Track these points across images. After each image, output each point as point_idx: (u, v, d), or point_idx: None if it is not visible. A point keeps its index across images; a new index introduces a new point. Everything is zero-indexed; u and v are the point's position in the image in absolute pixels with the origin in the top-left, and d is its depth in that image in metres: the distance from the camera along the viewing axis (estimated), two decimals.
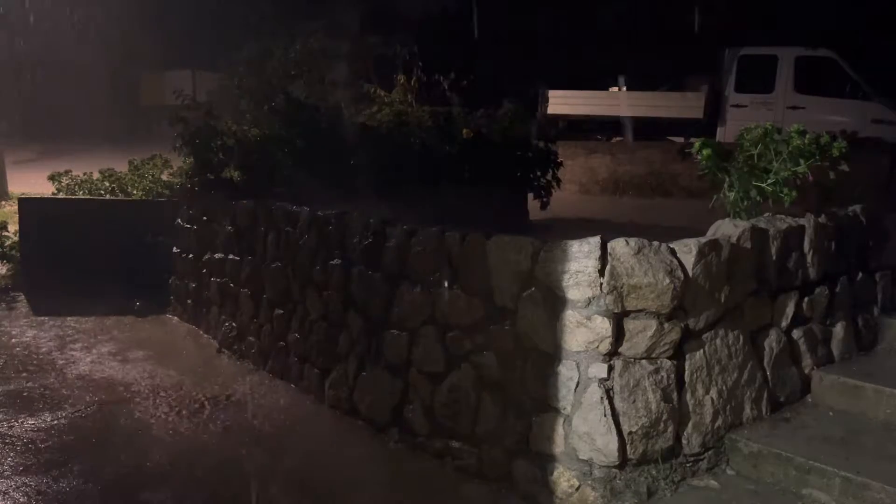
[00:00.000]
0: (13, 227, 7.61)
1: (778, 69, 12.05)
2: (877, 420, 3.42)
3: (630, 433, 3.09)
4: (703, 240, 3.26)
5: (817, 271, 3.82)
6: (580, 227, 3.56)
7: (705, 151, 3.80)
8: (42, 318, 6.58)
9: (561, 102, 13.56)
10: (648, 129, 12.94)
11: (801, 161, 3.69)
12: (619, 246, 3.12)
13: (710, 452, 3.26)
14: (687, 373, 3.22)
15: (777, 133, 3.76)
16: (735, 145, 3.93)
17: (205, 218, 6.45)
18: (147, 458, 3.95)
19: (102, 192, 8.17)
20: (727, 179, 3.80)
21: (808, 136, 3.71)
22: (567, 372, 3.21)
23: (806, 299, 3.79)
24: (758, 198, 3.73)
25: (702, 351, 3.26)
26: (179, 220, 6.95)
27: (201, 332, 6.34)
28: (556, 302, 3.23)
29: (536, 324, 3.32)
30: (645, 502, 3.08)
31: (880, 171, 8.62)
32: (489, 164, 6.66)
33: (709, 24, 14.20)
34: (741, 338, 3.41)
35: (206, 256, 6.34)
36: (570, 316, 3.17)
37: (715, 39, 13.13)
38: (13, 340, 6.00)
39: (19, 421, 4.37)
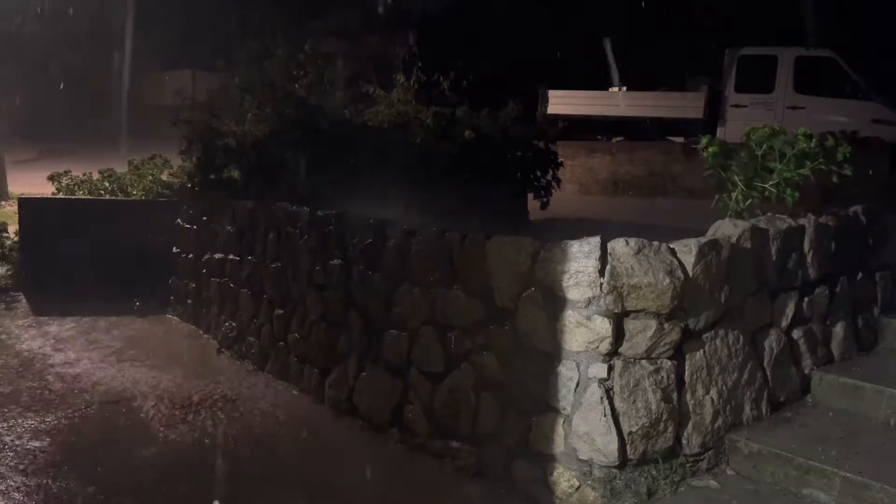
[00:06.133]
0: (13, 228, 7.61)
1: (778, 69, 12.05)
2: (877, 420, 3.42)
3: (630, 433, 3.09)
4: (703, 240, 3.26)
5: (817, 271, 3.82)
6: (580, 227, 3.55)
7: (711, 149, 3.81)
8: (42, 318, 6.57)
9: (561, 102, 13.56)
10: (649, 129, 12.95)
11: (806, 163, 3.70)
12: (619, 246, 3.12)
13: (710, 452, 3.26)
14: (687, 373, 3.22)
15: (783, 134, 3.78)
16: (737, 145, 3.94)
17: (205, 218, 6.44)
18: (146, 459, 3.95)
19: (102, 192, 8.16)
20: (732, 178, 3.81)
21: (814, 139, 3.73)
22: (567, 372, 3.21)
23: (806, 299, 3.79)
24: (762, 196, 3.74)
25: (702, 351, 3.26)
26: (179, 220, 6.95)
27: (201, 332, 6.34)
28: (556, 302, 3.23)
29: (536, 324, 3.32)
30: (645, 502, 3.08)
31: (880, 171, 8.62)
32: (489, 165, 6.66)
33: (709, 24, 14.22)
34: (741, 338, 3.41)
35: (206, 256, 6.34)
36: (570, 316, 3.17)
37: (715, 39, 13.14)
38: (13, 340, 5.99)
39: (19, 421, 4.37)
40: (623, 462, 3.09)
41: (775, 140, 3.76)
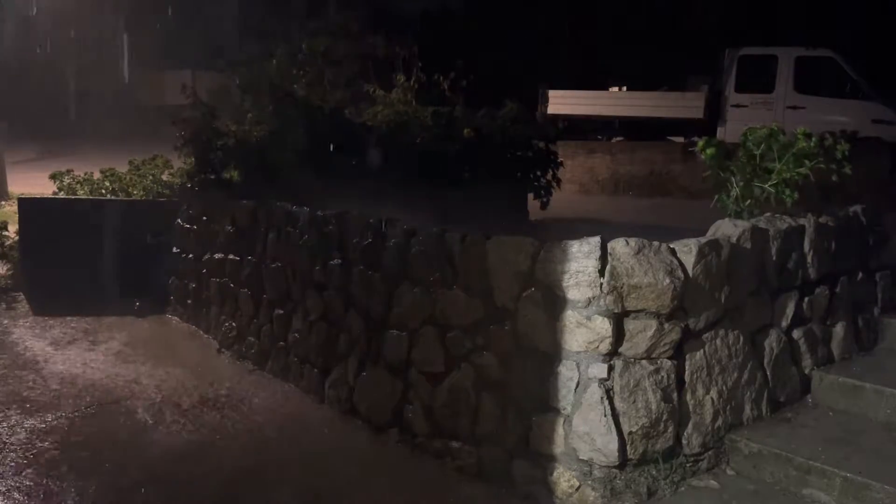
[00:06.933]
0: (13, 227, 7.60)
1: (778, 69, 12.06)
2: (877, 420, 3.42)
3: (630, 433, 3.09)
4: (703, 240, 3.26)
5: (817, 271, 3.82)
6: (580, 227, 3.56)
7: (709, 151, 3.81)
8: (42, 317, 6.57)
9: (561, 102, 13.57)
10: (649, 129, 12.96)
11: (805, 162, 3.70)
12: (619, 246, 3.12)
13: (710, 452, 3.26)
14: (687, 373, 3.22)
15: (781, 134, 3.77)
16: (737, 145, 3.94)
17: (205, 218, 6.44)
18: (147, 459, 3.95)
19: (103, 191, 8.16)
20: (731, 179, 3.81)
21: (813, 138, 3.72)
22: (567, 372, 3.21)
23: (806, 299, 3.79)
24: (761, 197, 3.74)
25: (702, 351, 3.26)
26: (179, 220, 6.95)
27: (201, 332, 6.34)
28: (556, 302, 3.22)
29: (536, 324, 3.32)
30: (645, 502, 3.08)
31: (880, 171, 8.64)
32: (489, 164, 6.68)
33: (709, 24, 14.22)
34: (741, 338, 3.41)
35: (206, 256, 6.34)
36: (570, 316, 3.17)
37: (715, 39, 13.15)
38: (13, 340, 5.99)
39: (19, 421, 4.37)
40: (623, 462, 3.09)
41: (773, 140, 3.76)
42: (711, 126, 12.12)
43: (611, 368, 3.11)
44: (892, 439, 3.24)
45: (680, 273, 3.13)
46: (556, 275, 3.21)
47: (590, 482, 3.13)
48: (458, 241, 3.75)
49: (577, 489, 3.17)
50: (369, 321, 4.35)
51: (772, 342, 3.58)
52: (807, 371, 3.73)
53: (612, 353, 3.11)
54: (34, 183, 10.50)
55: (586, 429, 3.12)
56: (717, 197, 3.92)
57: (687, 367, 3.22)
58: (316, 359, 4.81)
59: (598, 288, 3.10)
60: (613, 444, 3.07)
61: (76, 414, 4.52)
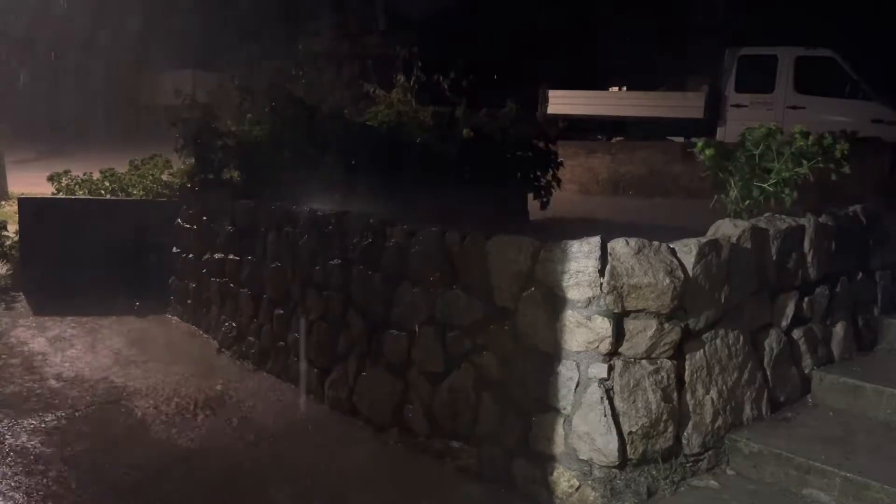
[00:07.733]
0: (13, 227, 7.61)
1: (778, 69, 12.07)
2: (877, 420, 3.42)
3: (630, 433, 3.09)
4: (703, 240, 3.26)
5: (817, 271, 3.82)
6: (580, 227, 3.56)
7: (708, 151, 3.81)
8: (42, 317, 6.57)
9: (561, 102, 13.58)
10: (649, 129, 12.97)
11: (804, 162, 3.69)
12: (619, 246, 3.12)
13: (710, 452, 3.26)
14: (687, 373, 3.22)
15: (780, 133, 3.77)
16: (736, 145, 3.94)
17: (205, 218, 6.44)
18: (147, 459, 3.95)
19: (103, 192, 8.16)
20: (729, 179, 3.81)
21: (810, 137, 3.72)
22: (567, 372, 3.21)
23: (806, 299, 3.79)
24: (760, 197, 3.74)
25: (702, 351, 3.26)
26: (179, 220, 6.95)
27: (201, 332, 6.34)
28: (556, 302, 3.23)
29: (536, 324, 3.32)
30: (645, 502, 3.08)
31: (880, 171, 8.64)
32: (489, 165, 6.67)
33: (709, 24, 14.23)
34: (741, 338, 3.41)
35: (206, 256, 6.34)
36: (570, 316, 3.17)
37: (715, 39, 13.16)
38: (12, 340, 5.99)
39: (19, 421, 4.37)
40: (623, 462, 3.09)
41: (772, 140, 3.76)
42: (711, 126, 12.13)
43: (611, 368, 3.11)
44: (892, 439, 3.24)
45: (680, 273, 3.13)
46: (556, 275, 3.21)
47: (590, 482, 3.13)
48: (457, 241, 3.75)
49: (577, 489, 3.17)
50: (369, 321, 4.35)
51: (772, 342, 3.58)
52: (807, 371, 3.73)
53: (612, 353, 3.11)
54: (34, 183, 10.50)
55: (586, 429, 3.13)
56: (716, 197, 3.92)
57: (687, 367, 3.22)
58: (316, 359, 4.81)
59: (598, 288, 3.10)
60: (613, 444, 3.07)
61: (76, 414, 4.52)
